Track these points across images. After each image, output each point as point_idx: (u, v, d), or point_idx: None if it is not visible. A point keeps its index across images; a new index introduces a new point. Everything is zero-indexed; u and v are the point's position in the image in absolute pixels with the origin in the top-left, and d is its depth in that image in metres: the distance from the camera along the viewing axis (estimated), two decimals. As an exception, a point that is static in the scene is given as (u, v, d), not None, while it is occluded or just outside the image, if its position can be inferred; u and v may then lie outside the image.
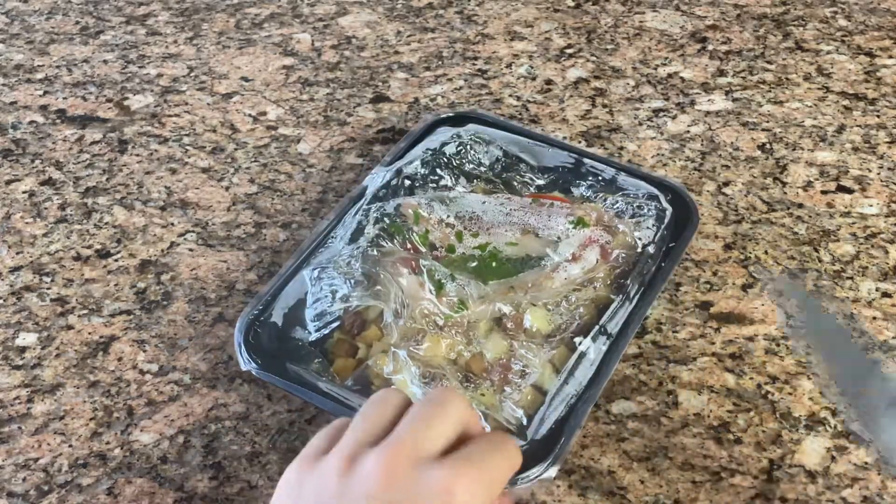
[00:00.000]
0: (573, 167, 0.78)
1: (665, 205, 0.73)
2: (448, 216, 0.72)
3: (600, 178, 0.77)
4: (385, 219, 0.70)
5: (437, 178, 0.77)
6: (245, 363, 0.63)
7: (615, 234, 0.71)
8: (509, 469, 0.45)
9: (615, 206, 0.75)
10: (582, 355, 0.63)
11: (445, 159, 0.77)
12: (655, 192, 0.74)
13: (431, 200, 0.73)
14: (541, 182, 0.78)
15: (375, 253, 0.68)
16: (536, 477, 0.56)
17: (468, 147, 0.78)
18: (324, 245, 0.71)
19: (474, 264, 0.70)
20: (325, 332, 0.65)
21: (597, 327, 0.65)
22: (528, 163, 0.78)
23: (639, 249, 0.70)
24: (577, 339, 0.64)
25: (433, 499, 0.41)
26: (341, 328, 0.66)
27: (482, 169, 0.78)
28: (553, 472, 0.57)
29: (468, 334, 0.65)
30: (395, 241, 0.69)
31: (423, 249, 0.70)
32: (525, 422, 0.61)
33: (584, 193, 0.77)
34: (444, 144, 0.78)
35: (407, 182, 0.75)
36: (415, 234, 0.70)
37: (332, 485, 0.43)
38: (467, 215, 0.72)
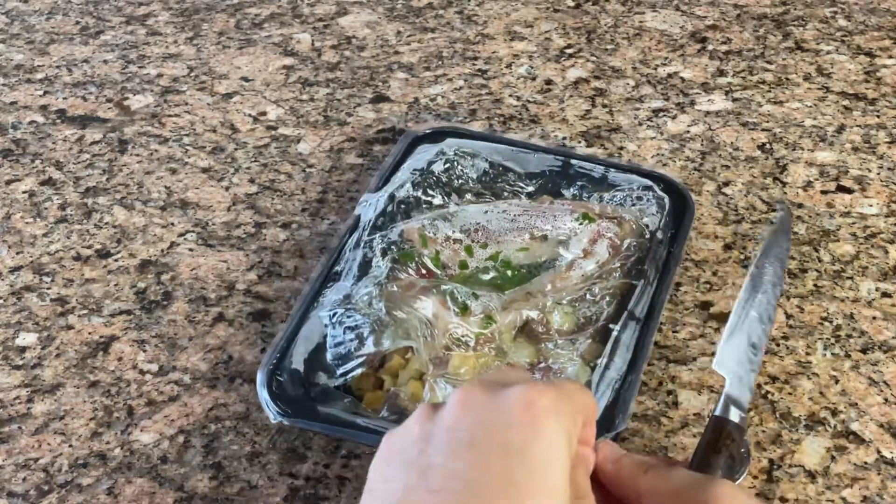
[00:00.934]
0: (561, 170, 0.78)
1: (661, 193, 0.75)
2: (454, 232, 0.71)
3: (590, 177, 0.77)
4: (393, 247, 0.69)
5: (429, 198, 0.76)
6: (274, 416, 0.60)
7: (622, 224, 0.72)
8: (591, 402, 0.45)
9: (613, 202, 0.75)
10: (617, 342, 0.64)
11: (434, 178, 0.77)
12: (649, 183, 0.76)
13: (434, 220, 0.72)
14: (530, 188, 0.78)
15: (396, 289, 0.66)
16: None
17: (455, 163, 0.78)
18: (329, 283, 0.68)
19: (490, 276, 0.69)
20: (354, 373, 0.63)
21: (625, 313, 0.66)
22: (514, 171, 0.79)
23: (647, 235, 0.71)
24: (611, 326, 0.65)
25: (513, 410, 0.41)
26: (367, 361, 0.64)
27: (471, 183, 0.78)
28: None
29: (500, 347, 0.65)
30: (409, 268, 0.68)
31: (437, 272, 0.69)
32: None
33: (576, 194, 0.77)
34: (431, 163, 0.77)
35: (402, 206, 0.75)
36: (426, 258, 0.69)
37: (415, 431, 0.42)
38: (472, 228, 0.72)
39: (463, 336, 0.64)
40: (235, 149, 0.87)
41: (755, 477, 0.62)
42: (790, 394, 0.67)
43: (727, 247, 0.78)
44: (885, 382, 0.68)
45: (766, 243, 0.61)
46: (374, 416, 0.61)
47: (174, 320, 0.72)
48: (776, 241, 0.62)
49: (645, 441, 0.64)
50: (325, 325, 0.65)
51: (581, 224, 0.72)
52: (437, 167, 0.77)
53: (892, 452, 0.64)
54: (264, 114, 0.92)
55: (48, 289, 0.75)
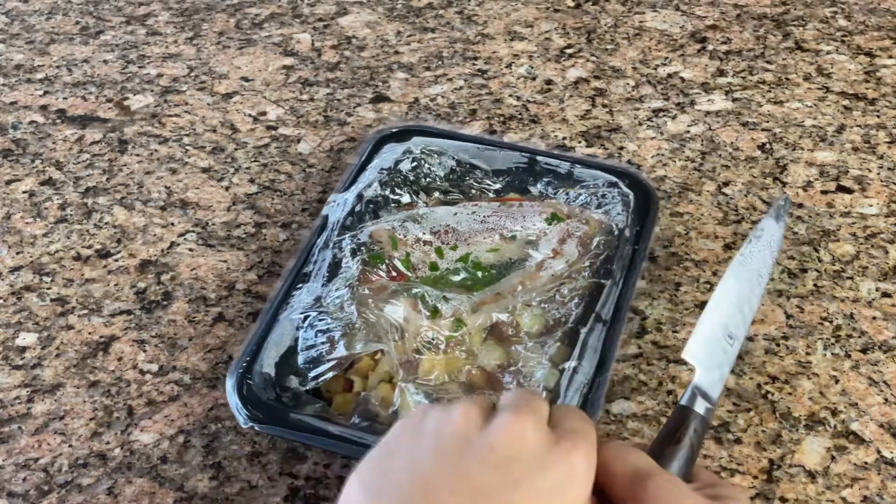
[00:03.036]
0: (527, 166, 0.78)
1: (626, 189, 0.75)
2: (424, 234, 0.71)
3: (556, 173, 0.78)
4: (362, 249, 0.69)
5: (397, 197, 0.76)
6: (245, 421, 0.60)
7: (590, 223, 0.72)
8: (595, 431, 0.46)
9: (578, 199, 0.75)
10: (585, 344, 0.64)
11: (402, 177, 0.77)
12: (614, 179, 0.76)
13: (404, 221, 0.72)
14: (497, 186, 0.78)
15: (367, 291, 0.66)
16: None
17: (421, 161, 0.78)
18: (299, 284, 0.68)
19: (460, 277, 0.69)
20: (326, 377, 0.63)
21: (592, 316, 0.65)
22: (482, 168, 0.79)
23: (616, 233, 0.71)
24: (580, 328, 0.65)
25: (559, 467, 0.42)
26: (338, 364, 0.64)
27: (438, 181, 0.78)
28: None
29: (467, 350, 0.64)
30: (380, 270, 0.68)
31: (408, 274, 0.69)
32: None
33: (543, 190, 0.77)
34: (398, 162, 0.77)
35: (370, 206, 0.75)
36: (397, 260, 0.69)
37: (454, 427, 0.42)
38: (442, 229, 0.72)
39: (433, 339, 0.64)
40: (235, 149, 0.87)
41: (755, 477, 0.62)
42: (790, 394, 0.67)
43: (727, 247, 0.78)
44: (885, 382, 0.68)
45: (759, 229, 0.58)
46: (346, 423, 0.61)
47: (174, 320, 0.72)
48: (769, 228, 0.59)
49: (645, 441, 0.64)
50: (297, 328, 0.65)
51: (550, 224, 0.72)
52: (405, 166, 0.77)
53: (892, 452, 0.64)
54: (264, 114, 0.92)
55: (48, 289, 0.75)
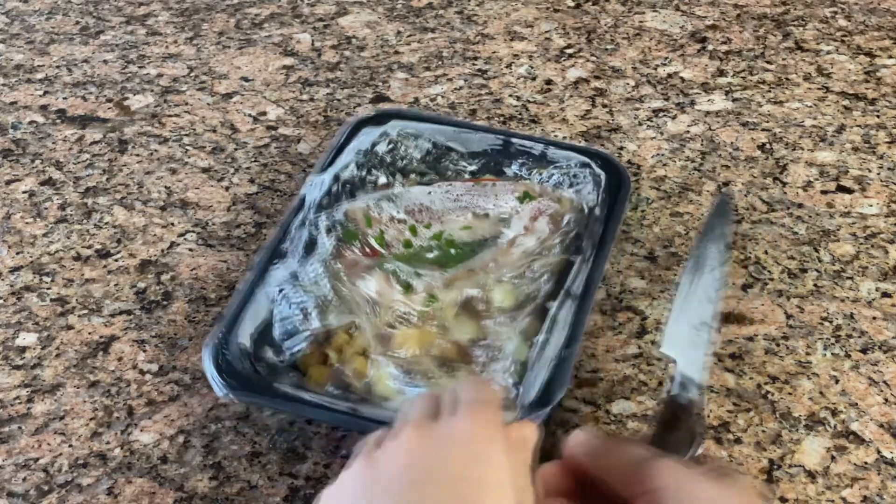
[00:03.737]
0: (502, 148, 0.79)
1: (598, 170, 0.76)
2: (398, 212, 0.73)
3: (530, 154, 0.79)
4: (337, 226, 0.71)
5: (373, 178, 0.78)
6: (220, 390, 0.61)
7: (561, 201, 0.73)
8: (497, 394, 0.48)
9: (551, 179, 0.77)
10: (554, 320, 0.64)
11: (378, 159, 0.78)
12: (586, 160, 0.77)
13: (379, 200, 0.74)
14: (473, 167, 0.79)
15: (340, 266, 0.68)
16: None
17: (398, 144, 0.79)
18: (276, 261, 0.69)
19: (434, 254, 0.71)
20: (300, 349, 0.64)
21: (562, 292, 0.66)
22: (457, 150, 0.80)
23: (586, 212, 0.73)
24: (548, 304, 0.66)
25: (456, 445, 0.43)
26: (315, 338, 0.65)
27: (415, 163, 0.79)
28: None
29: (440, 324, 0.66)
30: (354, 247, 0.70)
31: (382, 251, 0.70)
32: (515, 392, 0.61)
33: (517, 171, 0.78)
34: (374, 144, 0.79)
35: (347, 186, 0.76)
36: (371, 238, 0.71)
37: (353, 486, 0.44)
38: (416, 208, 0.74)
39: (406, 313, 0.66)
40: (235, 149, 0.87)
41: (755, 477, 0.62)
42: (790, 394, 0.67)
43: (727, 247, 0.78)
44: (885, 382, 0.68)
45: (705, 226, 0.63)
46: (320, 391, 0.62)
47: (174, 320, 0.72)
48: (715, 224, 0.63)
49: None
50: (273, 301, 0.66)
51: (522, 202, 0.73)
52: (381, 148, 0.79)
53: (892, 452, 0.64)
54: (264, 114, 0.92)
55: (48, 289, 0.75)
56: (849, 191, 0.83)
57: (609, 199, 0.74)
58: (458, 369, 0.63)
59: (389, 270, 0.67)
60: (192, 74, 0.97)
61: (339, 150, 0.78)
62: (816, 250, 0.77)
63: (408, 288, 0.67)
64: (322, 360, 0.65)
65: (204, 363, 0.62)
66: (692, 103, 0.92)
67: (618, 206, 0.73)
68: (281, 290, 0.66)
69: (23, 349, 0.71)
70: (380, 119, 0.81)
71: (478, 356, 0.64)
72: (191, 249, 0.78)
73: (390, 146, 0.79)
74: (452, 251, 0.71)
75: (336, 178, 0.75)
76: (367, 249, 0.70)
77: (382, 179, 0.78)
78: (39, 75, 0.97)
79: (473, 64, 0.98)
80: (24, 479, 0.62)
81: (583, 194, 0.75)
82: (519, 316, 0.66)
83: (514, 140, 0.80)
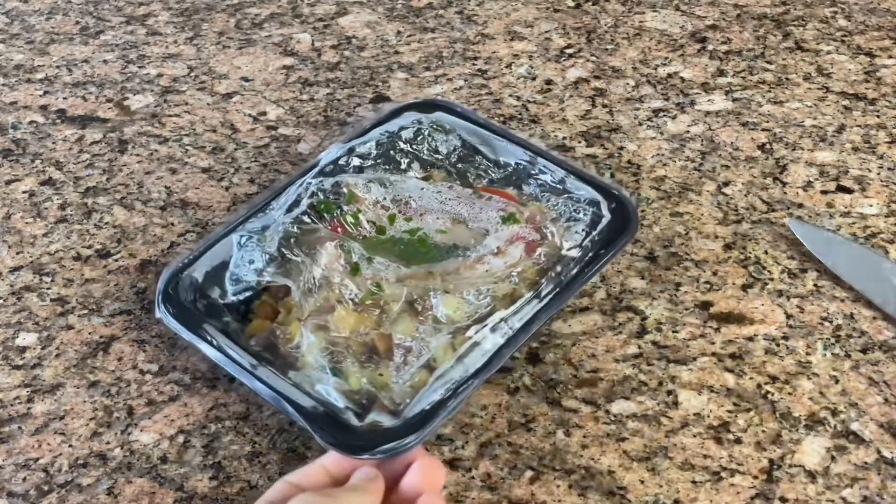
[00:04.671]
0: (528, 164, 0.78)
1: (604, 212, 0.72)
2: (385, 198, 0.73)
3: (550, 178, 0.77)
4: (319, 194, 0.72)
5: (390, 160, 0.78)
6: (158, 311, 0.65)
7: (543, 235, 0.71)
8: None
9: (556, 208, 0.74)
10: (475, 344, 0.63)
11: (401, 143, 0.78)
12: (599, 198, 0.73)
13: (370, 181, 0.74)
14: (496, 176, 0.78)
15: (296, 230, 0.69)
16: (393, 451, 0.57)
17: (426, 133, 0.79)
18: (263, 211, 0.72)
19: (401, 248, 0.71)
20: (239, 297, 0.68)
21: (499, 320, 0.65)
22: (486, 156, 0.79)
23: (562, 252, 0.70)
24: (473, 328, 0.64)
25: None
26: (268, 290, 0.68)
27: (438, 157, 0.79)
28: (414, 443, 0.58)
29: (381, 315, 0.65)
30: (325, 218, 0.71)
31: (349, 229, 0.71)
32: (408, 401, 0.61)
33: (533, 192, 0.77)
34: (402, 128, 0.79)
35: (356, 161, 0.76)
36: (346, 214, 0.71)
37: None
38: (403, 199, 0.74)
39: (349, 294, 0.66)
40: (235, 149, 0.88)
41: (755, 477, 0.62)
42: (790, 394, 0.67)
43: (727, 247, 0.78)
44: (885, 382, 0.68)
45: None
46: (243, 342, 0.65)
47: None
48: None
49: (645, 441, 0.64)
50: (233, 247, 0.69)
51: (505, 223, 0.72)
52: (407, 133, 0.79)
53: (892, 452, 0.64)
54: (264, 114, 0.92)
55: (48, 289, 0.75)
56: (849, 191, 0.83)
57: (601, 244, 0.70)
58: (378, 363, 0.63)
59: (345, 248, 0.68)
60: (192, 74, 0.97)
61: (375, 126, 0.79)
62: (816, 250, 0.77)
63: (355, 270, 0.67)
64: (272, 315, 0.67)
65: (158, 284, 0.67)
66: (692, 103, 0.92)
67: (605, 254, 0.69)
68: (242, 237, 0.69)
69: (23, 349, 0.71)
70: (426, 107, 0.81)
71: (397, 356, 0.64)
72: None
73: (416, 134, 0.79)
74: (422, 249, 0.71)
75: (350, 150, 0.76)
76: (336, 224, 0.71)
77: (401, 165, 0.78)
78: (39, 75, 0.97)
79: (473, 64, 0.98)
80: (24, 479, 0.62)
81: (569, 233, 0.72)
82: (453, 331, 0.64)
83: (539, 159, 0.77)
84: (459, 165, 0.79)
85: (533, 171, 0.78)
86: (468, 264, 0.69)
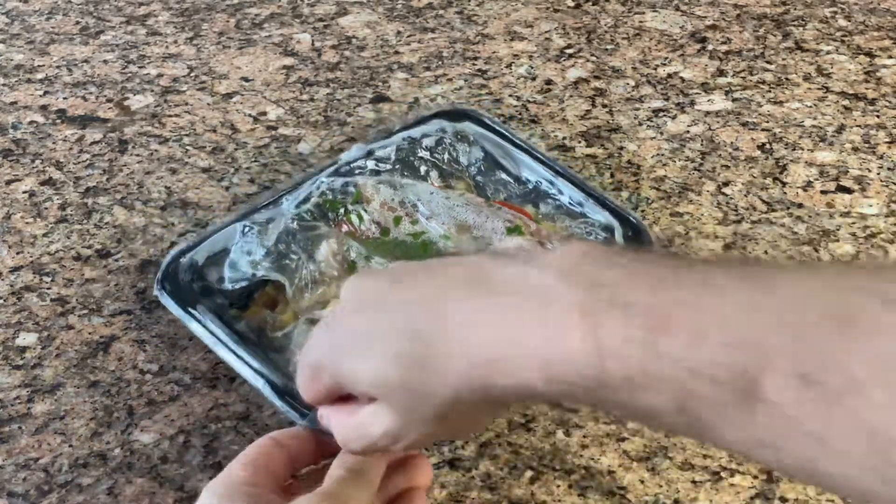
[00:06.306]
0: (549, 183, 0.78)
1: (618, 238, 0.72)
2: (393, 200, 0.73)
3: (568, 199, 0.76)
4: (329, 193, 0.72)
5: (409, 166, 0.77)
6: (155, 288, 0.68)
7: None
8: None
9: (569, 230, 0.74)
10: None
11: (422, 150, 0.78)
12: (615, 224, 0.73)
13: (380, 182, 0.74)
14: (515, 192, 0.78)
15: (296, 226, 0.70)
16: None
17: (448, 143, 0.79)
18: (275, 204, 0.73)
19: (403, 250, 0.71)
20: (235, 286, 0.69)
21: None
22: (507, 170, 0.79)
23: None
24: None
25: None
26: (270, 282, 0.69)
27: (457, 167, 0.79)
28: None
29: None
30: (329, 216, 0.71)
31: (353, 228, 0.71)
32: None
33: (550, 212, 0.76)
34: (424, 135, 0.79)
35: (374, 164, 0.76)
36: (352, 213, 0.72)
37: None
38: (411, 203, 0.74)
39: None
40: (235, 149, 0.88)
41: (755, 477, 0.62)
42: (790, 394, 0.67)
43: (727, 247, 0.78)
44: (885, 382, 0.68)
45: None
46: (234, 325, 0.66)
47: (174, 320, 0.72)
48: None
49: (645, 441, 0.64)
50: (236, 235, 0.71)
51: (508, 234, 0.72)
52: (428, 141, 0.79)
53: (891, 452, 0.64)
54: (264, 114, 0.92)
55: (48, 289, 0.75)
56: (849, 191, 0.83)
57: None
58: None
59: (343, 246, 0.68)
60: (192, 74, 0.97)
61: (401, 131, 0.79)
62: (816, 250, 0.77)
63: (352, 268, 0.67)
64: (271, 305, 0.68)
65: (163, 263, 0.70)
66: (692, 103, 0.92)
67: None
68: (245, 227, 0.70)
69: (23, 349, 0.71)
70: (455, 116, 0.81)
71: None
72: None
73: (439, 144, 0.79)
74: (422, 253, 0.71)
75: (370, 152, 0.76)
76: (341, 222, 0.72)
77: (420, 172, 0.77)
78: (39, 75, 0.97)
79: (473, 64, 0.98)
80: (24, 479, 0.62)
81: None
82: None
83: (559, 180, 0.77)
84: (479, 178, 0.78)
85: (552, 191, 0.77)
86: None
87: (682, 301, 0.36)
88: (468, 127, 0.80)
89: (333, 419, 0.47)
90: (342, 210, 0.72)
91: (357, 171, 0.76)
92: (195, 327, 0.66)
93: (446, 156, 0.78)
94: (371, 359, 0.42)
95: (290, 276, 0.67)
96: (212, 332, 0.65)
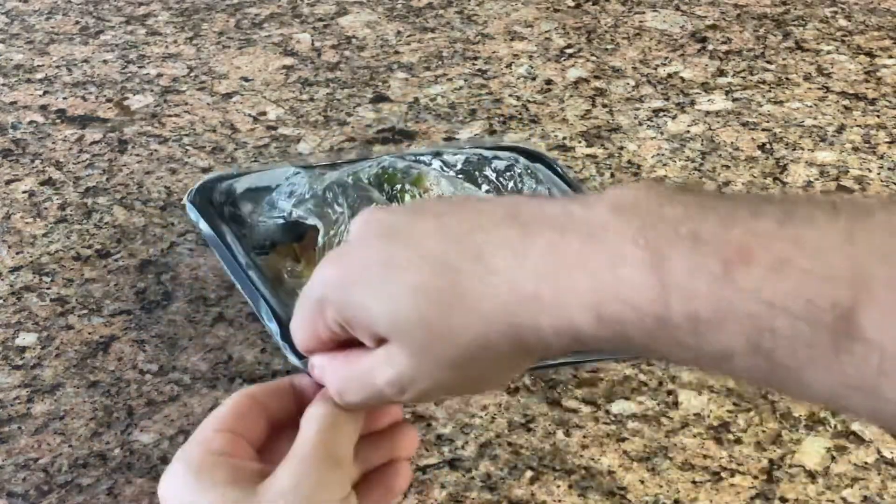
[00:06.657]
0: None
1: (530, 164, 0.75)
2: (450, 195, 0.72)
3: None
4: (391, 168, 0.72)
5: (471, 180, 0.75)
6: (186, 200, 0.71)
7: None
8: None
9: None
10: None
11: (489, 170, 0.76)
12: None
13: (442, 176, 0.73)
14: None
15: (350, 180, 0.69)
16: None
17: (518, 173, 0.76)
18: (335, 168, 0.73)
19: None
20: (267, 223, 0.69)
21: None
22: None
23: None
24: None
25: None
26: (301, 238, 0.69)
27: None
28: None
29: None
30: (384, 189, 0.71)
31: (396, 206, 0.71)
32: None
33: None
34: (496, 157, 0.76)
35: (438, 163, 0.75)
36: (406, 193, 0.71)
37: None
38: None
39: None
40: (235, 149, 0.87)
41: (755, 477, 0.62)
42: (790, 394, 0.67)
43: (727, 247, 0.78)
44: (885, 382, 0.68)
45: None
46: (252, 258, 0.67)
47: (174, 320, 0.72)
48: None
49: (645, 441, 0.64)
50: (284, 175, 0.71)
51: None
52: (498, 164, 0.76)
53: (892, 452, 0.64)
54: (264, 114, 0.92)
55: (48, 289, 0.75)
56: (849, 191, 0.83)
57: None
58: None
59: (386, 210, 0.68)
60: (192, 74, 0.97)
61: (480, 146, 0.79)
62: (816, 250, 0.77)
63: None
64: (294, 257, 0.68)
65: (198, 185, 0.72)
66: (692, 103, 0.92)
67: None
68: (295, 171, 0.71)
69: (23, 349, 0.71)
70: (530, 156, 0.79)
71: None
72: (191, 249, 0.78)
73: (508, 170, 0.76)
74: None
75: (438, 153, 0.76)
76: (395, 195, 0.71)
77: (482, 189, 0.75)
78: (39, 75, 0.97)
79: (473, 64, 0.98)
80: (24, 479, 0.62)
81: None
82: None
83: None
84: None
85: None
86: None
87: (762, 231, 0.31)
88: (540, 169, 0.77)
89: (329, 368, 0.41)
90: (399, 187, 0.71)
91: (420, 163, 0.75)
92: (217, 250, 0.65)
93: (511, 184, 0.76)
94: (386, 292, 0.37)
95: (328, 225, 0.65)
96: (234, 257, 0.64)
